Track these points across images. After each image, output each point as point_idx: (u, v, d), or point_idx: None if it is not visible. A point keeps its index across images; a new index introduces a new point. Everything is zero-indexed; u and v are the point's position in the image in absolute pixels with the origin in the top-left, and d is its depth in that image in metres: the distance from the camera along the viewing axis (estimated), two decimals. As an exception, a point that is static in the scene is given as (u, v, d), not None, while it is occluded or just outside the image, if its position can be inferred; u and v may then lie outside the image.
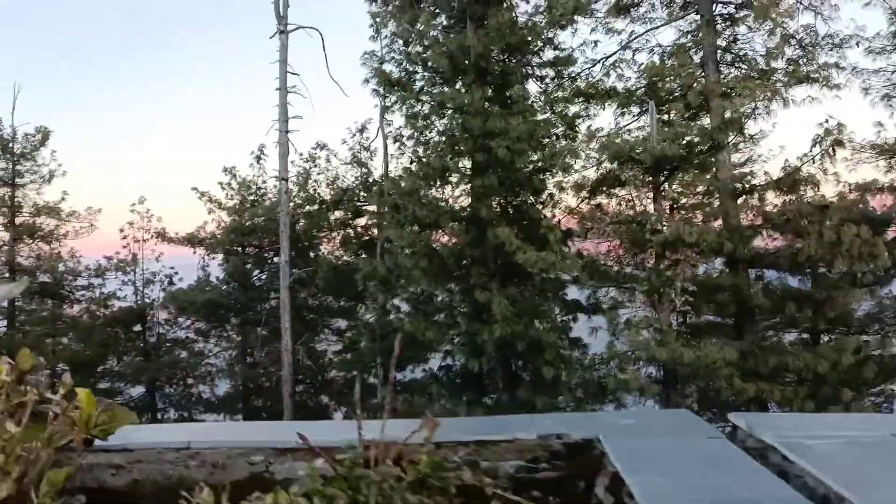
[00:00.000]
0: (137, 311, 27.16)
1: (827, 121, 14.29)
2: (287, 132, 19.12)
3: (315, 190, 25.89)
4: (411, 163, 16.56)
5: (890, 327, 16.40)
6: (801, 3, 15.91)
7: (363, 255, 26.16)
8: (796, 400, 13.24)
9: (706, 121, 15.43)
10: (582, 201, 16.10)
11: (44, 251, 25.21)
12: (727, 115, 13.69)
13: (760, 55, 16.15)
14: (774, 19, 15.42)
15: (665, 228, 12.83)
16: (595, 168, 16.02)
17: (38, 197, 24.63)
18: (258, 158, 26.61)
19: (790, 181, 14.78)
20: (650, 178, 13.93)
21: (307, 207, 25.89)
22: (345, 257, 27.29)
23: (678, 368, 13.24)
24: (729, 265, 14.64)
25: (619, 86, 16.98)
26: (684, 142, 13.78)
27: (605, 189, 15.07)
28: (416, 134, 16.96)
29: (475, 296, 14.96)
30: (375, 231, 26.61)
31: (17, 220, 24.25)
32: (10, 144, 23.93)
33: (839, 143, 14.01)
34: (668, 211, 15.10)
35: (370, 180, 25.49)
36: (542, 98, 16.99)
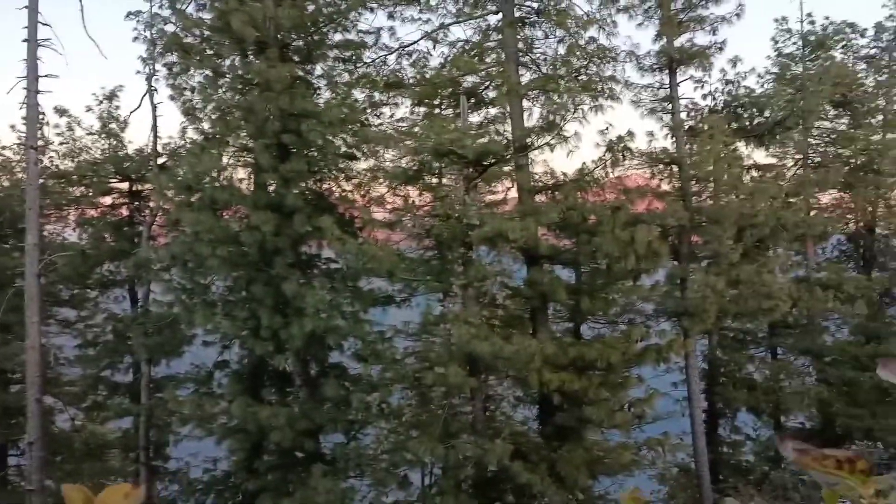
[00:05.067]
0: None
1: (607, 129, 15.47)
2: (37, 92, 16.14)
3: (52, 161, 22.39)
4: (206, 139, 14.85)
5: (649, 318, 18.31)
6: (588, 14, 16.94)
7: (106, 238, 23.26)
8: (591, 388, 14.21)
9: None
10: (389, 191, 15.71)
11: None
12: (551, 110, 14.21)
13: (552, 60, 17.00)
14: (569, 28, 16.28)
15: (487, 224, 12.92)
16: (398, 158, 15.74)
17: None
18: None
19: (578, 185, 15.74)
20: (468, 172, 13.94)
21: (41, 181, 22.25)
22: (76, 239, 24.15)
23: (499, 362, 13.50)
24: (529, 262, 15.20)
25: (417, 77, 16.88)
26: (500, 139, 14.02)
27: (415, 181, 14.78)
28: (205, 107, 15.28)
29: (279, 287, 13.90)
30: (125, 212, 23.86)
31: None
32: None
33: (628, 149, 15.22)
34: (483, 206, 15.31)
35: (121, 154, 22.68)
36: (344, 81, 16.27)
